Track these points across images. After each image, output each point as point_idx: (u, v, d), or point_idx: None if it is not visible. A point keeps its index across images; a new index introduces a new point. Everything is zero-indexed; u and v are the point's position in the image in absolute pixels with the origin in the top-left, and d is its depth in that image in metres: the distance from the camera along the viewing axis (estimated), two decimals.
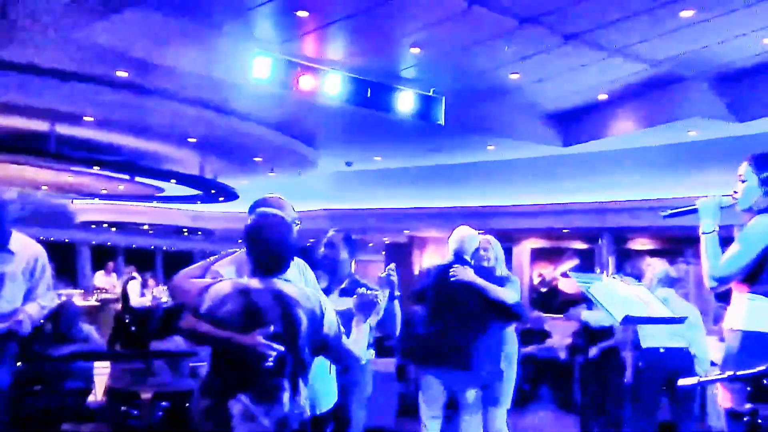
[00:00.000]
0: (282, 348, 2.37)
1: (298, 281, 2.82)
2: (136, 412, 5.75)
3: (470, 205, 11.41)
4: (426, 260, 15.72)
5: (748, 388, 1.89)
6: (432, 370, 4.32)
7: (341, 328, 2.59)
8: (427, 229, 14.49)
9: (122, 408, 5.88)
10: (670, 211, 2.93)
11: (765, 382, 1.84)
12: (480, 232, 4.76)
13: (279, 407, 2.39)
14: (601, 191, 9.91)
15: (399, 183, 11.58)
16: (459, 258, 4.43)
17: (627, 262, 10.88)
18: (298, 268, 3.04)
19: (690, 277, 10.32)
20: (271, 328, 2.39)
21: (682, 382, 2.27)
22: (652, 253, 11.06)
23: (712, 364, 4.95)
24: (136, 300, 10.58)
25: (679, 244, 10.86)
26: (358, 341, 2.66)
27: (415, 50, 7.04)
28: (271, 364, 2.35)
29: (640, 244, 11.22)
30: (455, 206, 11.57)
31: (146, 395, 5.63)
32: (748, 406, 1.94)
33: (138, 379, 6.26)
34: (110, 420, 5.78)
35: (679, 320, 3.36)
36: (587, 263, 11.35)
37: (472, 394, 4.27)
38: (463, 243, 4.48)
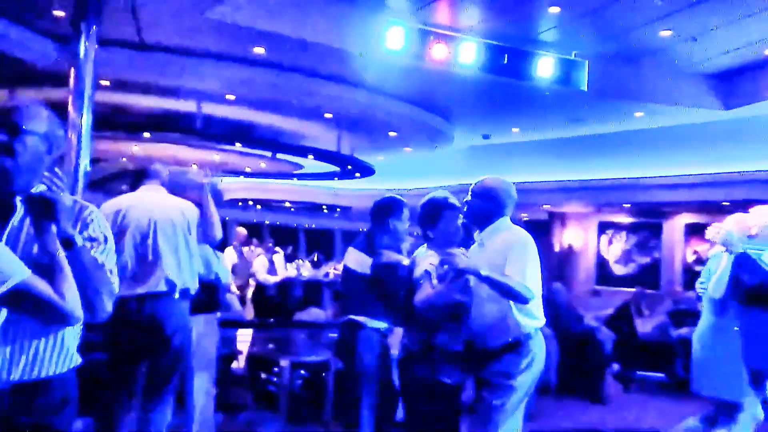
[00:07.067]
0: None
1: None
2: (275, 380, 5.91)
3: (616, 177, 10.73)
4: (567, 237, 15.09)
5: None
6: None
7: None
8: (569, 204, 13.86)
9: (262, 375, 6.07)
10: None
11: None
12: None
13: None
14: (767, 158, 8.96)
15: (538, 155, 11.11)
16: None
17: None
18: None
19: None
20: None
21: None
22: None
23: None
24: (262, 276, 10.26)
25: None
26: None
27: (555, 9, 6.62)
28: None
29: None
30: (599, 179, 10.93)
31: (285, 363, 5.75)
32: None
33: (277, 348, 6.44)
34: (251, 386, 5.97)
35: None
36: None
37: None
38: None
